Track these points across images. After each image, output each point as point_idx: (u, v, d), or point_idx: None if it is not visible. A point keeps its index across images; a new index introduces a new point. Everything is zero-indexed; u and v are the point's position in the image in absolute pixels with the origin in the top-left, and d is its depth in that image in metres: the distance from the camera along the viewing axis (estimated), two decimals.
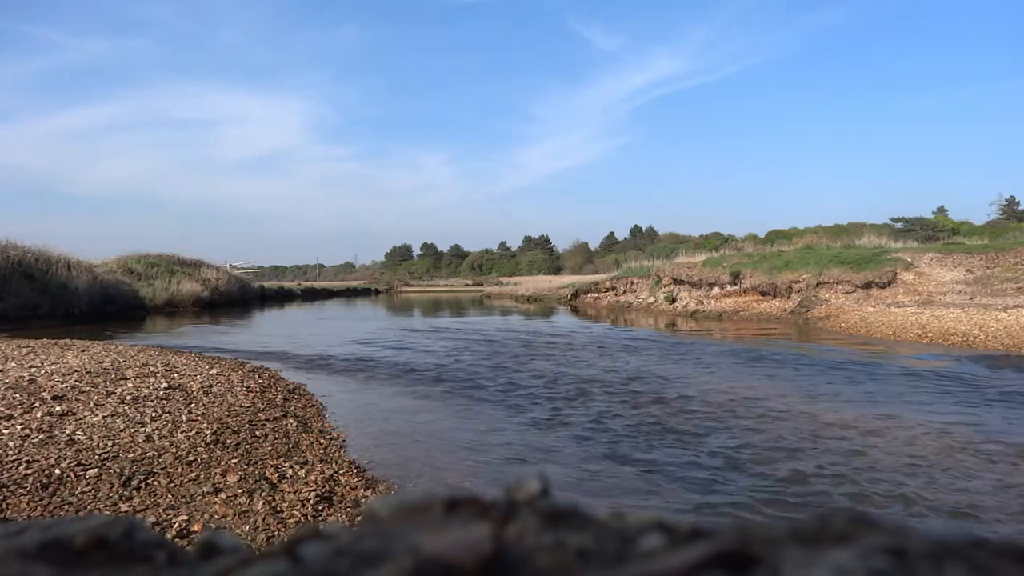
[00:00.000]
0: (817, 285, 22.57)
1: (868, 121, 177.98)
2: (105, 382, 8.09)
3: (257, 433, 6.34)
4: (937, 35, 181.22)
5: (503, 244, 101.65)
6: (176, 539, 3.90)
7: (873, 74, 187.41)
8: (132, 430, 5.97)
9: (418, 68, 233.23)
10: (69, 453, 5.16)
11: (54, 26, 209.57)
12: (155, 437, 5.82)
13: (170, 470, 5.03)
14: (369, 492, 4.98)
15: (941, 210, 57.39)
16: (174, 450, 5.50)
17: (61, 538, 0.43)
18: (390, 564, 0.36)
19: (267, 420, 6.91)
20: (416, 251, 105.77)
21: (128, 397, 7.31)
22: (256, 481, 4.94)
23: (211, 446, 5.73)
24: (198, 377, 9.01)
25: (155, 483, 4.75)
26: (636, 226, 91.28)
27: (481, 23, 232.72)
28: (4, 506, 4.15)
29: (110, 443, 5.52)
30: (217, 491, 4.69)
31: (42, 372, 8.58)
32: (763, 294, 24.38)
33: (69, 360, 9.85)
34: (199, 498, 4.55)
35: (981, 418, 7.33)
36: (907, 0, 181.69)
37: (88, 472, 4.81)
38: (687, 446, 6.32)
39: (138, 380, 8.37)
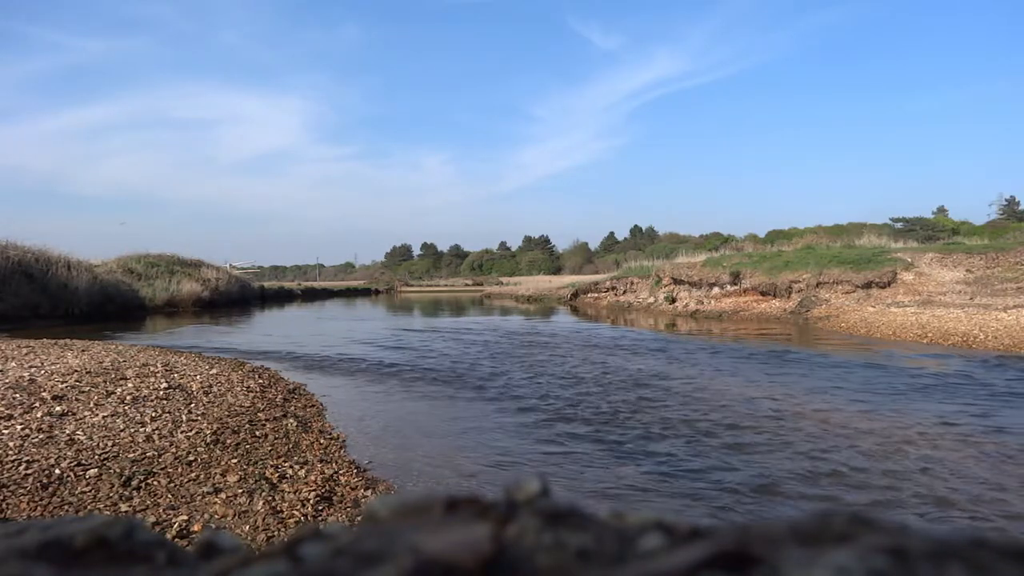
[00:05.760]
0: (817, 285, 22.57)
1: (868, 121, 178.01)
2: (105, 382, 8.09)
3: (257, 433, 6.34)
4: (937, 35, 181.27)
5: (503, 244, 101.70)
6: (176, 539, 3.90)
7: (873, 74, 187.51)
8: (132, 430, 5.97)
9: (418, 68, 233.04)
10: (69, 453, 5.16)
11: (54, 26, 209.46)
12: (155, 437, 5.82)
13: (170, 470, 5.03)
14: (369, 492, 4.98)
15: (941, 210, 57.41)
16: (174, 450, 5.50)
17: (61, 538, 0.43)
18: (390, 564, 0.36)
19: (267, 420, 6.91)
20: (416, 251, 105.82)
21: (128, 397, 7.31)
22: (256, 481, 4.94)
23: (211, 446, 5.73)
24: (198, 377, 9.01)
25: (155, 483, 4.75)
26: (636, 226, 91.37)
27: (481, 23, 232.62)
28: (4, 506, 4.16)
29: (110, 443, 5.52)
30: (217, 491, 4.69)
31: (42, 372, 8.58)
32: (763, 294, 24.38)
33: (69, 360, 9.85)
34: (199, 498, 4.55)
35: (981, 418, 7.33)
36: (907, 0, 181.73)
37: (88, 472, 4.81)
38: (688, 446, 6.32)
39: (138, 380, 8.37)
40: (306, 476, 5.13)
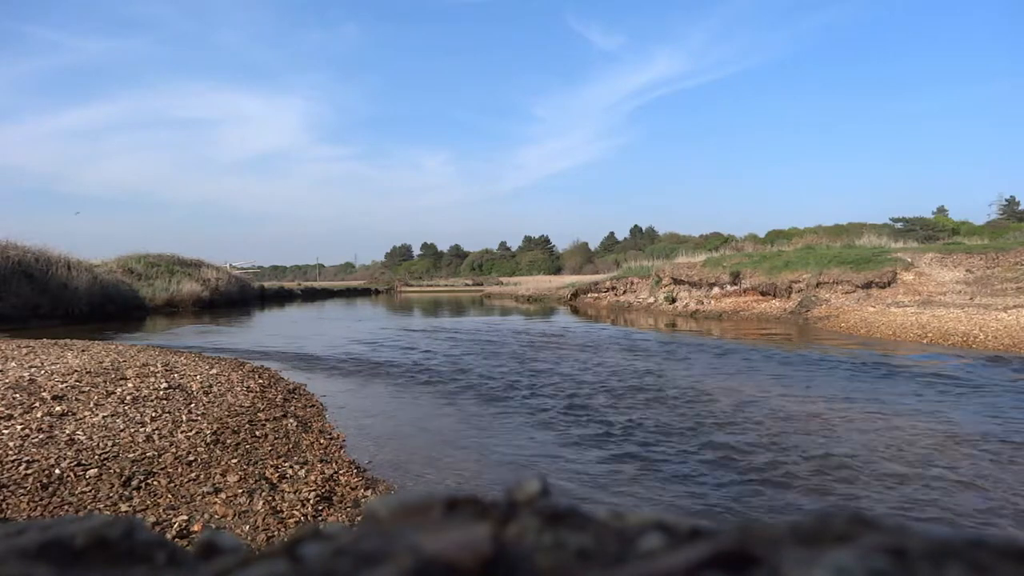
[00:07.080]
0: (817, 285, 22.57)
1: (868, 121, 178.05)
2: (105, 382, 8.09)
3: (257, 433, 6.34)
4: (937, 34, 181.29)
5: (503, 244, 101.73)
6: (176, 539, 3.90)
7: (873, 74, 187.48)
8: (132, 430, 5.97)
9: (418, 68, 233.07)
10: (69, 453, 5.16)
11: (54, 26, 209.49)
12: (155, 437, 5.82)
13: (170, 470, 5.03)
14: (369, 492, 4.98)
15: (941, 210, 57.42)
16: (174, 450, 5.50)
17: (61, 538, 0.43)
18: (390, 564, 0.36)
19: (267, 420, 6.91)
20: (416, 251, 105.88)
21: (128, 397, 7.31)
22: (256, 481, 4.94)
23: (211, 446, 5.73)
24: (198, 377, 9.01)
25: (155, 483, 4.75)
26: (636, 226, 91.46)
27: (481, 23, 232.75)
28: (4, 506, 4.15)
29: (110, 443, 5.52)
30: (217, 491, 4.69)
31: (42, 372, 8.58)
32: (763, 294, 24.37)
33: (69, 360, 9.85)
34: (199, 498, 4.55)
35: (981, 418, 7.33)
36: (907, 0, 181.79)
37: (88, 472, 4.81)
38: (688, 446, 6.32)
39: (138, 380, 8.37)
40: (306, 476, 5.13)
